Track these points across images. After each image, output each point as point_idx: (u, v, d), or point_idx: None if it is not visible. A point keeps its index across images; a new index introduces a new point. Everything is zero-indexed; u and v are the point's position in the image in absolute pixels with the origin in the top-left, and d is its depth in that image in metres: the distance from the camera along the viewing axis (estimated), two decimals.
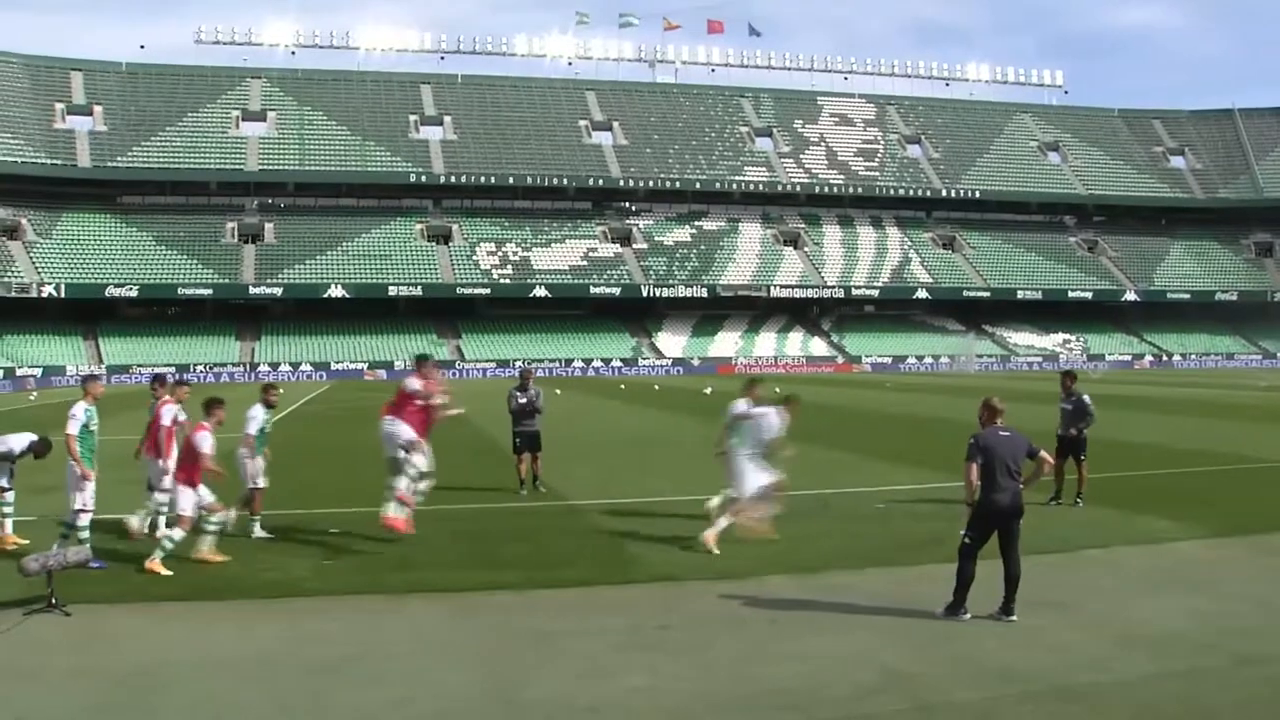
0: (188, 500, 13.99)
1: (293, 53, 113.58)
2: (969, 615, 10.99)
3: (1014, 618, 10.96)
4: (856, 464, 23.40)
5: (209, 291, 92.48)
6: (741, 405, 15.49)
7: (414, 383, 15.78)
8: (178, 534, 13.75)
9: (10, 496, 15.36)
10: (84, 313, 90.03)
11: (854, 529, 15.86)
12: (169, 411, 15.60)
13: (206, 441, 14.34)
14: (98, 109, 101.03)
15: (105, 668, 9.68)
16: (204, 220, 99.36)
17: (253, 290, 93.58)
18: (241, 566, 13.76)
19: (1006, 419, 11.64)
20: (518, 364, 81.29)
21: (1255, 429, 31.51)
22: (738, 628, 10.84)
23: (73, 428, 14.47)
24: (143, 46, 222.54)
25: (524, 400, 20.16)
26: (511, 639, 10.54)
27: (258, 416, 16.43)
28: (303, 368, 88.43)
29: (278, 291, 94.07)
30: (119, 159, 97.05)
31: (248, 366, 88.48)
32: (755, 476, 14.94)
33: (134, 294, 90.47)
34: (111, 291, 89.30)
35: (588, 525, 16.56)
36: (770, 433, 15.24)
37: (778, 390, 16.98)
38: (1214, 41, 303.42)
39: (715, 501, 15.31)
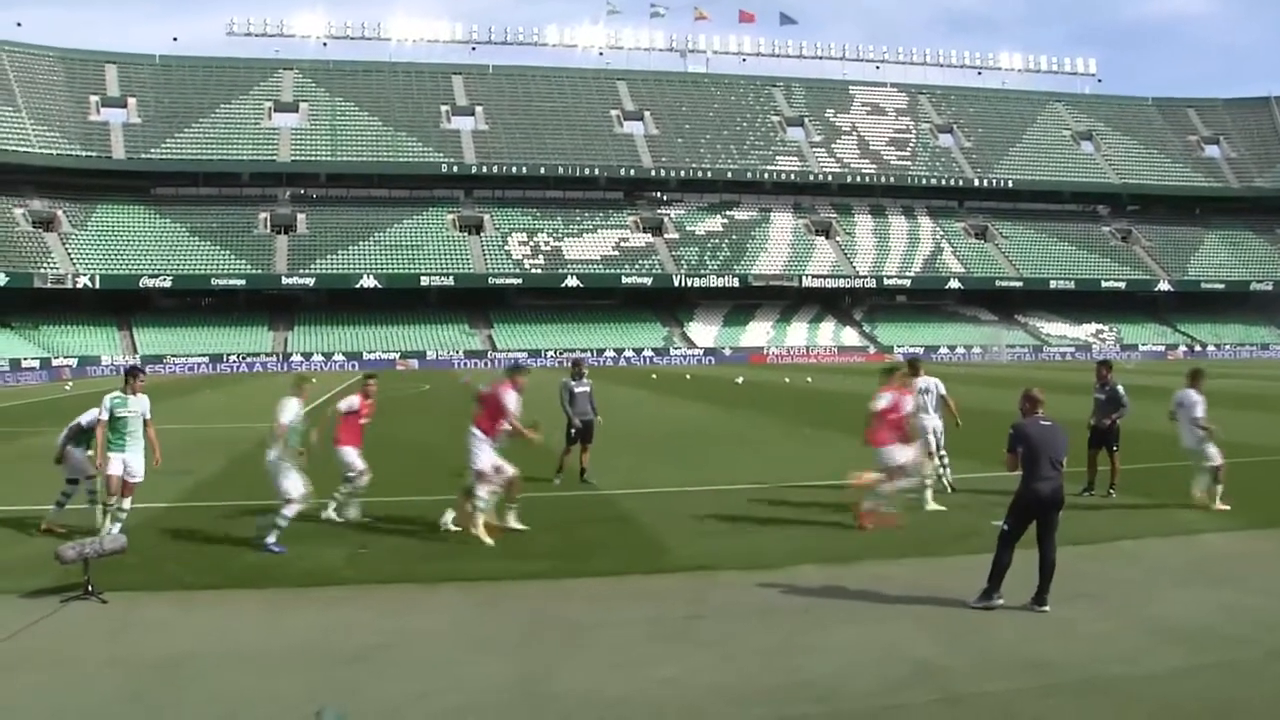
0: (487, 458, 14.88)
1: (324, 44, 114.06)
2: (1002, 600, 11.03)
3: (1046, 608, 10.97)
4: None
5: (242, 282, 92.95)
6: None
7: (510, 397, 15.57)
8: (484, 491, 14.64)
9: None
10: (118, 303, 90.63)
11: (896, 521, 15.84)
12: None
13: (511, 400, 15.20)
14: (132, 101, 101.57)
15: (139, 656, 9.76)
16: (237, 211, 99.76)
17: (285, 281, 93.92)
18: (274, 556, 13.82)
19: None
20: (549, 353, 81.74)
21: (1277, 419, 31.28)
22: (768, 618, 10.84)
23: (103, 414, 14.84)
24: (175, 39, 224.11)
25: (580, 390, 20.15)
26: (541, 629, 10.57)
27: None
28: (335, 358, 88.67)
29: (310, 282, 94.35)
30: (153, 151, 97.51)
31: (280, 356, 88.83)
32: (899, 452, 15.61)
33: (168, 284, 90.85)
34: (145, 282, 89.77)
35: (619, 515, 16.57)
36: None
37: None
38: (1249, 29, 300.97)
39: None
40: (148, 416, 15.55)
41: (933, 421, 18.12)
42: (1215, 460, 16.38)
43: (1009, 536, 11.20)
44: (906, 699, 8.55)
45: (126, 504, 14.87)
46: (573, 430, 20.18)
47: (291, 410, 15.18)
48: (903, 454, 15.41)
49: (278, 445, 14.94)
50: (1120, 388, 18.36)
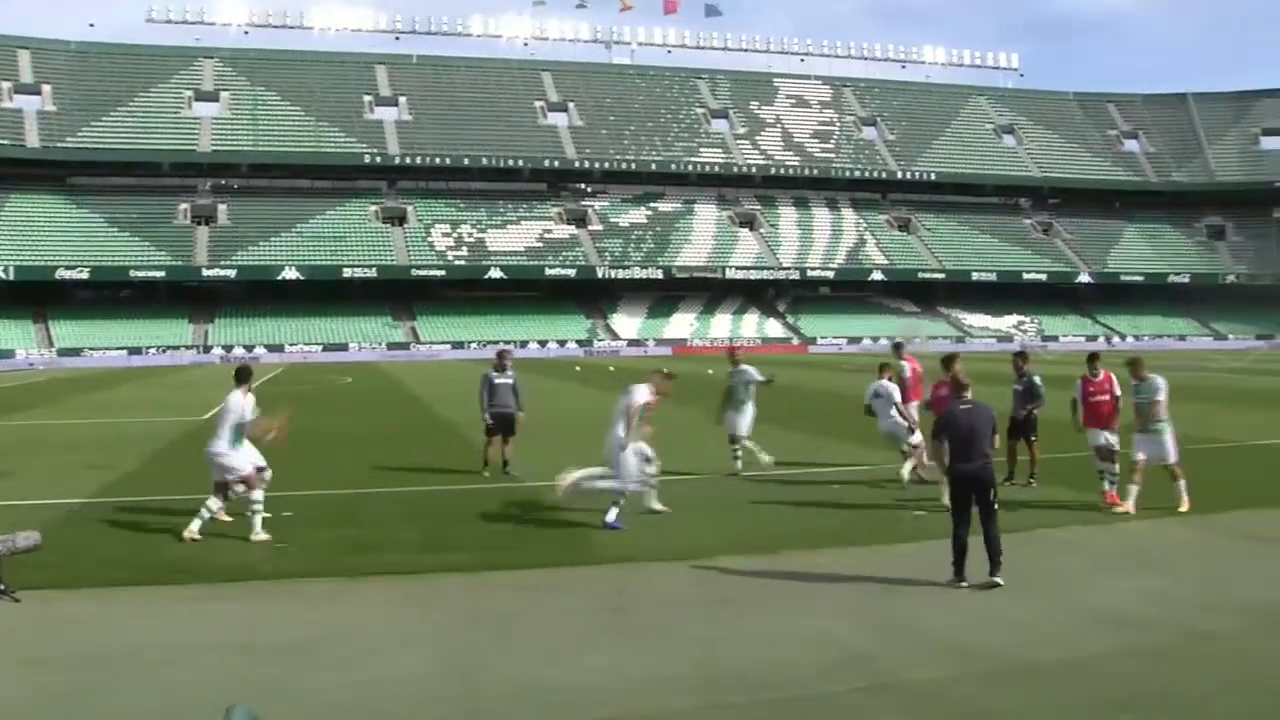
0: None
1: (245, 32, 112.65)
2: (966, 585, 11.30)
3: (999, 580, 11.31)
4: (813, 444, 23.37)
5: (161, 274, 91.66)
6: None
7: (641, 394, 15.59)
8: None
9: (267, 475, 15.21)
10: (34, 296, 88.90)
11: (811, 509, 15.82)
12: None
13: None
14: (46, 88, 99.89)
15: (55, 654, 9.53)
16: (156, 202, 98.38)
17: (206, 272, 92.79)
18: (196, 550, 13.57)
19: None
20: (472, 345, 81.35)
21: (1206, 410, 31.67)
22: (697, 608, 10.82)
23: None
24: (92, 25, 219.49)
25: (501, 382, 19.95)
26: (469, 621, 10.48)
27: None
28: (256, 350, 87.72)
29: (231, 273, 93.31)
30: (68, 139, 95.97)
31: (201, 349, 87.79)
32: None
33: (85, 276, 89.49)
34: (62, 274, 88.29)
35: (545, 507, 16.44)
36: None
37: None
38: (1168, 27, 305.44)
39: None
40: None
41: (888, 424, 18.68)
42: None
43: (955, 515, 11.54)
44: (835, 687, 8.55)
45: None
46: (487, 423, 19.96)
47: (642, 394, 15.50)
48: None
49: (623, 425, 15.24)
50: (1037, 379, 18.47)
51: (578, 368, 65.06)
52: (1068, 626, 10.07)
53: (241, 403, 14.79)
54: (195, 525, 14.24)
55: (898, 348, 19.42)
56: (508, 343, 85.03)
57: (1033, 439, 18.09)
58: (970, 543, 11.41)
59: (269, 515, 14.77)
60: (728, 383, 19.93)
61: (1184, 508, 15.37)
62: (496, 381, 19.94)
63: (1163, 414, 15.83)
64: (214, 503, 14.55)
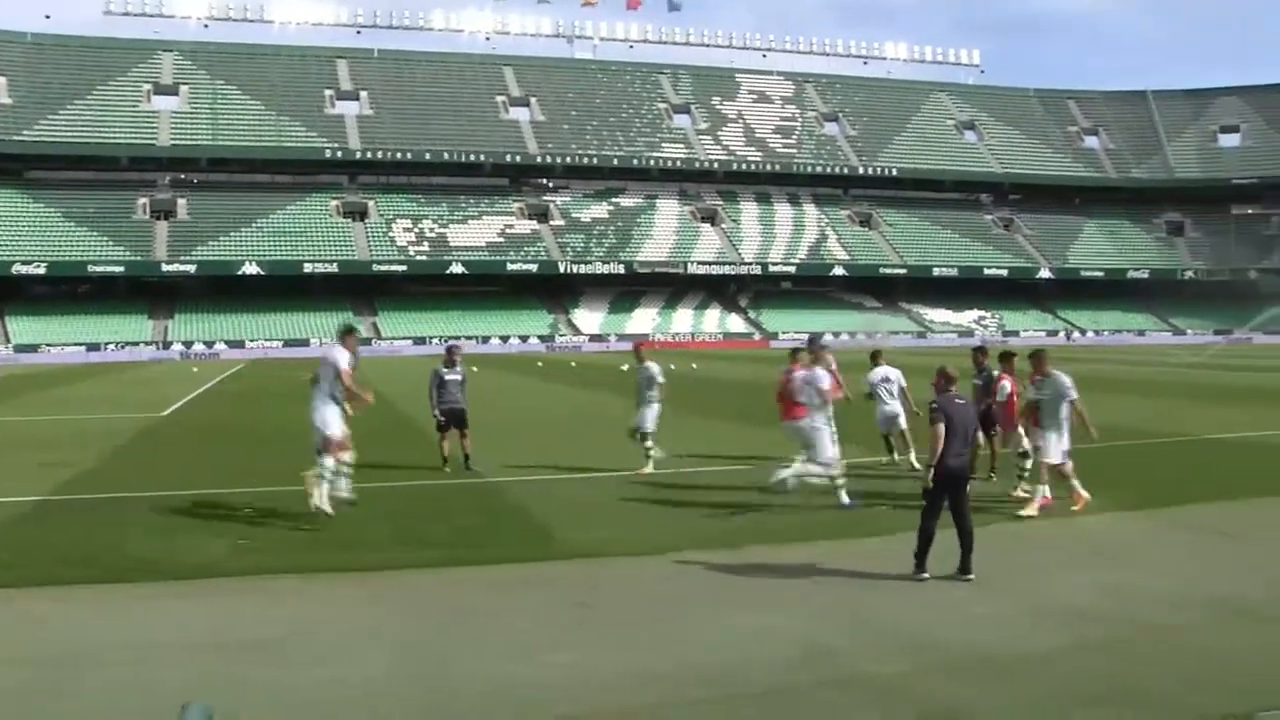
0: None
1: (205, 25, 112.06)
2: (928, 577, 11.30)
3: (971, 576, 11.36)
4: (776, 440, 23.38)
5: (120, 269, 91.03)
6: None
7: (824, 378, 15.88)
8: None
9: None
10: None
11: (777, 504, 15.82)
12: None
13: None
14: (2, 80, 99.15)
15: (19, 654, 9.41)
16: (115, 196, 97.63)
17: (165, 268, 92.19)
18: (158, 548, 13.45)
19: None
20: (434, 341, 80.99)
21: (1163, 403, 31.91)
22: (664, 604, 10.81)
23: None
24: (48, 17, 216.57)
25: (451, 378, 19.96)
26: (436, 618, 10.43)
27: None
28: (216, 346, 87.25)
29: (191, 269, 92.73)
30: (25, 133, 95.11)
31: (160, 345, 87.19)
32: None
33: (42, 271, 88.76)
34: (19, 269, 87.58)
35: (509, 503, 16.43)
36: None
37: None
38: (1128, 24, 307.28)
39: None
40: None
41: (893, 408, 19.03)
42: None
43: (928, 510, 11.48)
44: (798, 681, 8.55)
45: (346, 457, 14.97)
46: (438, 419, 19.98)
47: (824, 378, 15.97)
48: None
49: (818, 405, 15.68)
50: (996, 372, 18.25)
51: (540, 363, 64.98)
52: (1029, 620, 10.11)
53: (340, 354, 14.91)
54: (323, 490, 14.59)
55: (812, 342, 19.36)
56: (468, 338, 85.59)
57: (993, 434, 17.97)
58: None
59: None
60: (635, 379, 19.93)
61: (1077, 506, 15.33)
62: (446, 377, 19.98)
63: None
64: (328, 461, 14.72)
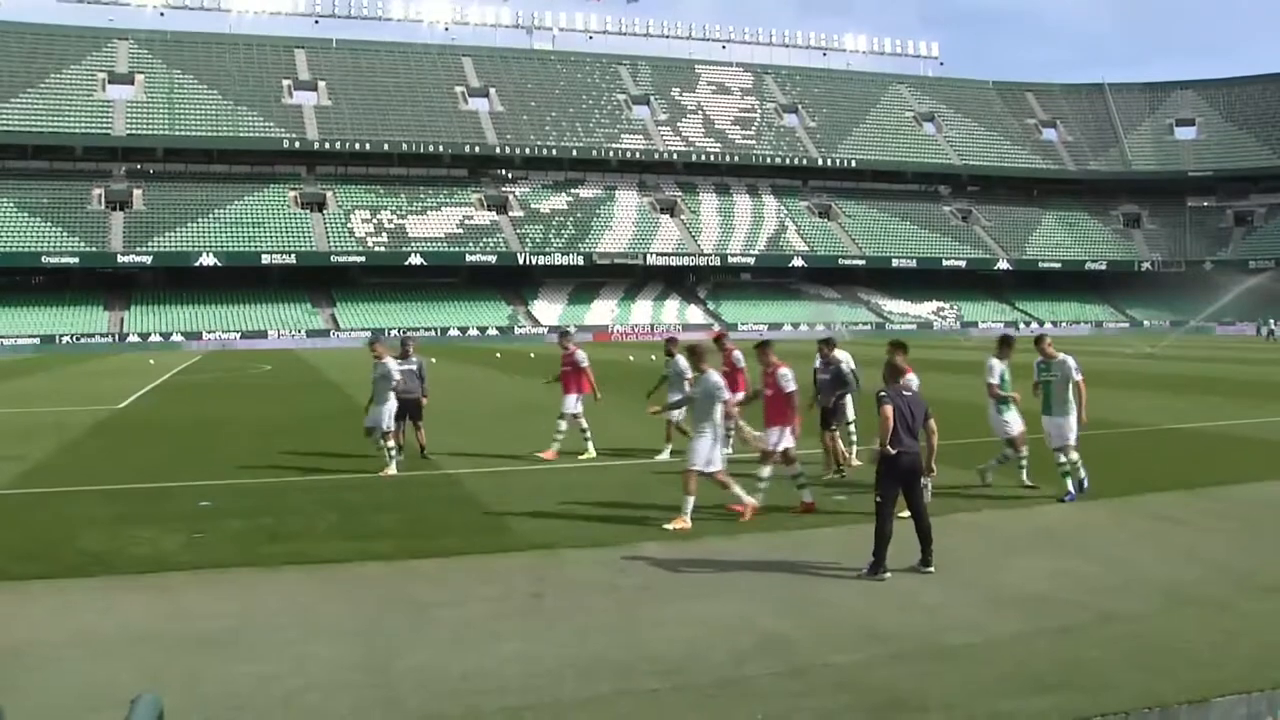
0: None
1: (161, 14, 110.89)
2: (889, 575, 11.22)
3: (931, 569, 11.42)
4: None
5: (75, 260, 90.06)
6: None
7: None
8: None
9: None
10: None
11: (727, 495, 15.85)
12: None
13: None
14: None
15: None
16: (69, 186, 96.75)
17: (121, 259, 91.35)
18: (110, 542, 13.37)
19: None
20: (393, 332, 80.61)
21: (1118, 394, 32.13)
22: (612, 595, 10.83)
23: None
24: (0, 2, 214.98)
25: (406, 368, 20.03)
26: (385, 609, 10.41)
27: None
28: (174, 338, 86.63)
29: (147, 260, 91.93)
30: None
31: (116, 337, 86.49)
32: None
33: None
34: None
35: (462, 494, 16.43)
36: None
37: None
38: (1086, 17, 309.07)
39: None
40: (394, 379, 18.82)
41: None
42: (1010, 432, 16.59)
43: (883, 507, 11.39)
44: (751, 671, 8.58)
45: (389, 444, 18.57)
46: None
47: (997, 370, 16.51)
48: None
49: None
50: (845, 365, 18.17)
51: (498, 354, 64.80)
52: (982, 608, 10.19)
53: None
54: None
55: (670, 342, 19.67)
56: (426, 329, 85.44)
57: (834, 428, 17.73)
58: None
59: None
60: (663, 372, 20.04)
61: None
62: (401, 369, 20.01)
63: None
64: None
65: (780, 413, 15.10)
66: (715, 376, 14.50)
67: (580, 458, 19.89)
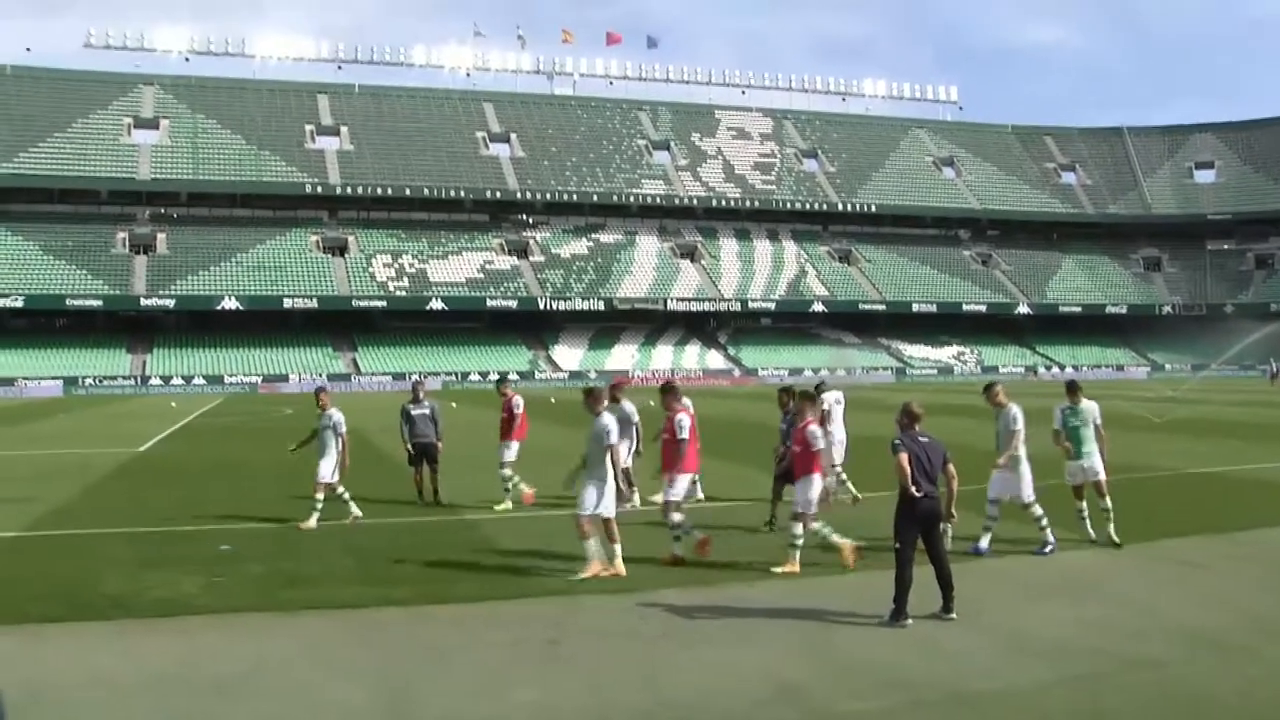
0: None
1: (186, 59, 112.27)
2: (910, 622, 11.11)
3: (953, 615, 11.31)
4: (752, 477, 23.34)
5: (99, 303, 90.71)
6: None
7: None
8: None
9: None
10: None
11: (749, 542, 15.80)
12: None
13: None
14: None
15: None
16: (94, 230, 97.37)
17: (144, 302, 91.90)
18: (129, 585, 13.38)
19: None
20: (413, 377, 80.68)
21: (1141, 439, 31.99)
22: (631, 641, 10.78)
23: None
24: (29, 49, 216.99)
25: (418, 413, 20.12)
26: (404, 655, 10.38)
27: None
28: (195, 381, 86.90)
29: (170, 303, 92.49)
30: (4, 165, 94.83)
31: (139, 380, 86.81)
32: None
33: (19, 304, 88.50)
34: None
35: (481, 539, 16.38)
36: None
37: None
38: (1105, 61, 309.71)
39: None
40: (340, 430, 17.80)
41: (840, 434, 19.53)
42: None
43: (902, 554, 11.29)
44: (772, 717, 8.54)
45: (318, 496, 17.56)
46: (410, 453, 20.40)
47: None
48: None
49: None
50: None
51: (553, 399, 64.56)
52: (1004, 656, 10.11)
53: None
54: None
55: (615, 388, 19.52)
56: (447, 374, 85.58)
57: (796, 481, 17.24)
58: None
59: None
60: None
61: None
62: (414, 412, 20.31)
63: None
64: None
65: (675, 459, 14.96)
66: (606, 419, 14.21)
67: (495, 508, 19.45)
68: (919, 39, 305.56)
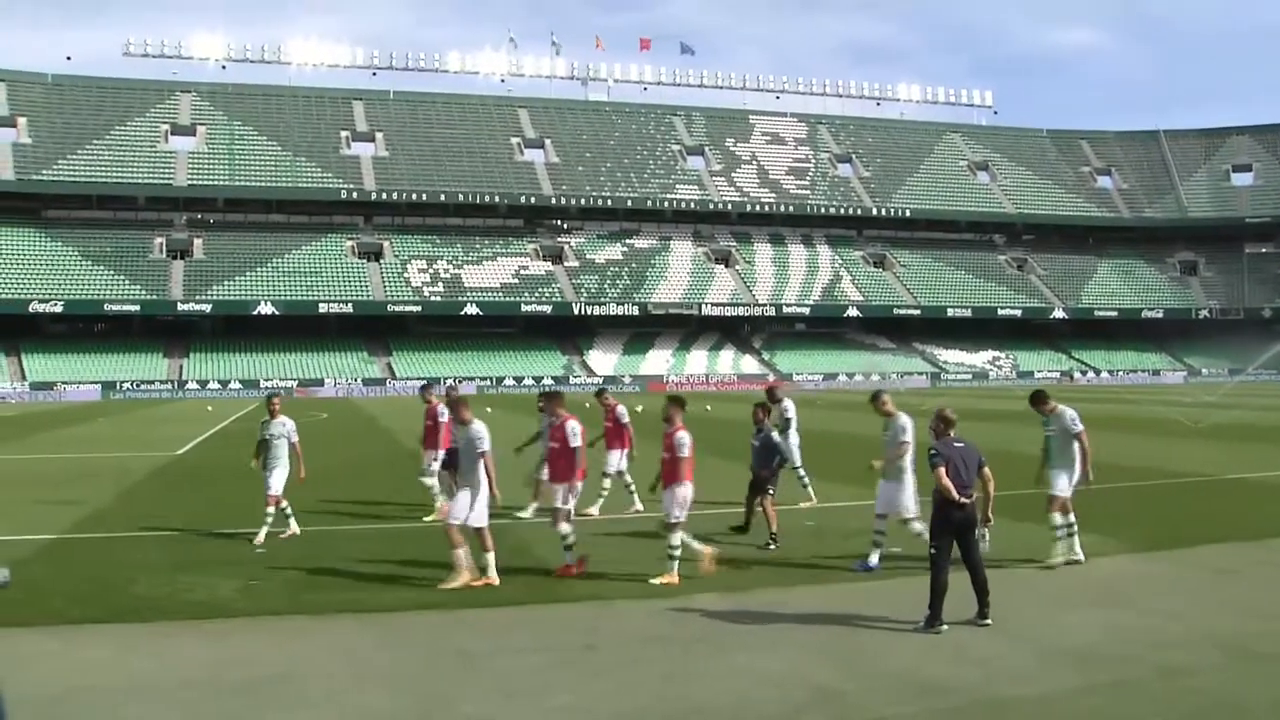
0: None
1: (223, 66, 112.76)
2: (946, 628, 11.12)
3: (989, 622, 11.31)
4: (786, 481, 23.36)
5: (136, 308, 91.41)
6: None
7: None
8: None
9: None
10: (6, 329, 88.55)
11: (785, 547, 15.80)
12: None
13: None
14: (22, 120, 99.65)
15: (20, 691, 9.39)
16: (131, 235, 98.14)
17: (181, 307, 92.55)
18: (165, 588, 13.50)
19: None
20: (447, 382, 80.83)
21: (1178, 444, 31.85)
22: (665, 646, 10.80)
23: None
24: (69, 58, 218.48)
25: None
26: (437, 659, 10.45)
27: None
28: (231, 386, 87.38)
29: (206, 308, 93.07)
30: (44, 172, 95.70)
31: (176, 384, 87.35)
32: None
33: (58, 310, 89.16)
34: (35, 307, 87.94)
35: (516, 543, 16.35)
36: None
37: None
38: (1140, 64, 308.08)
39: None
40: (293, 439, 17.32)
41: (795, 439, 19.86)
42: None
43: (938, 559, 11.29)
44: None
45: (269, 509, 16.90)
46: (447, 455, 20.08)
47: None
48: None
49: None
50: (775, 435, 17.56)
51: (639, 408, 64.66)
52: (1036, 662, 10.10)
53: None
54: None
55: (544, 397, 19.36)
56: (482, 379, 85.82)
57: (771, 492, 16.95)
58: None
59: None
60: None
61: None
62: (447, 418, 20.12)
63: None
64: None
65: (564, 468, 14.66)
66: (477, 428, 14.08)
67: (426, 519, 18.94)
68: (952, 44, 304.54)
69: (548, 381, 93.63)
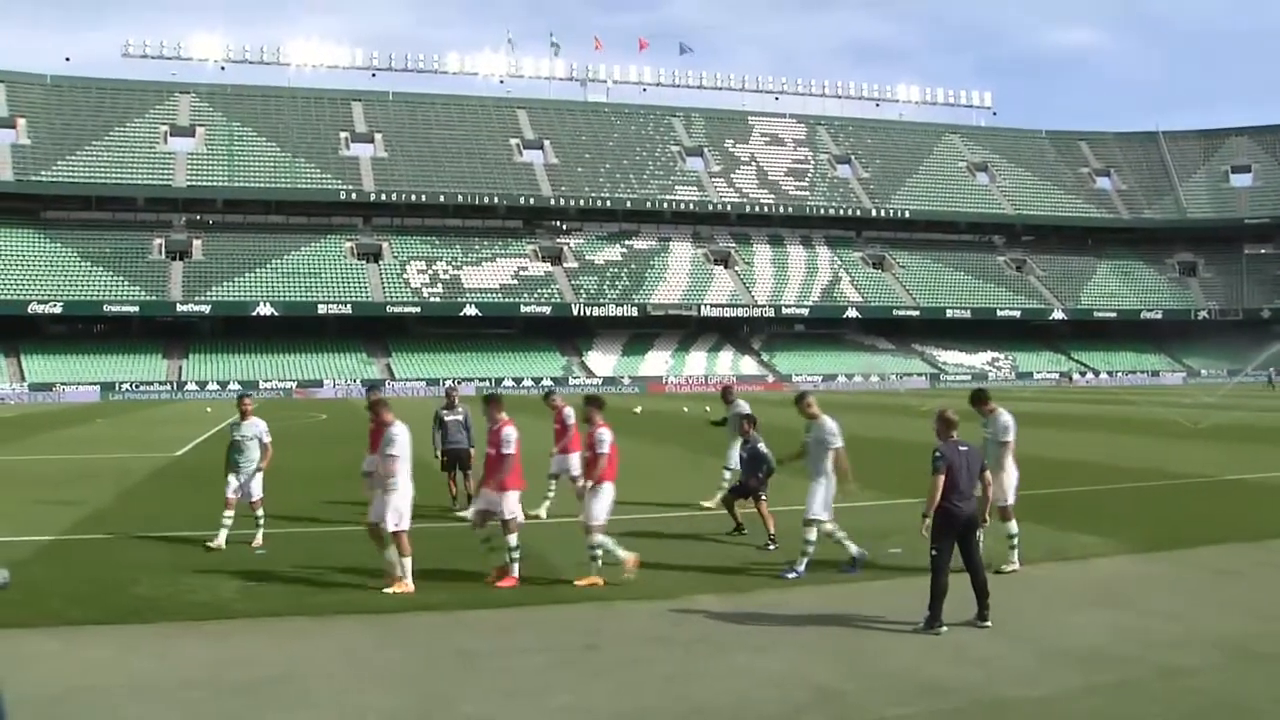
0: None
1: (222, 68, 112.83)
2: (945, 629, 11.10)
3: (988, 624, 11.28)
4: (786, 483, 23.35)
5: (135, 309, 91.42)
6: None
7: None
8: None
9: None
10: (5, 330, 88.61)
11: (784, 548, 15.79)
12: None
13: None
14: (21, 121, 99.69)
15: (20, 692, 9.38)
16: (130, 236, 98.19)
17: (180, 308, 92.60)
18: (165, 589, 13.49)
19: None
20: (446, 383, 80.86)
21: (1176, 445, 31.85)
22: (666, 647, 10.78)
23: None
24: (68, 59, 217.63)
25: (451, 419, 20.16)
26: (438, 660, 10.44)
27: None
28: (230, 387, 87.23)
29: (205, 309, 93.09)
30: (43, 173, 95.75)
31: (175, 385, 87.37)
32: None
33: (58, 311, 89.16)
34: (34, 308, 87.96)
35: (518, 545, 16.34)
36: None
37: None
38: (1139, 64, 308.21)
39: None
40: (265, 440, 17.13)
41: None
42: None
43: (939, 560, 11.26)
44: None
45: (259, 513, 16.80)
46: (440, 460, 20.37)
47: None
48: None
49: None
50: (762, 446, 17.36)
51: (637, 409, 64.70)
52: (1036, 663, 10.10)
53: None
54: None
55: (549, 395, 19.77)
56: (481, 380, 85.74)
57: (764, 496, 16.93)
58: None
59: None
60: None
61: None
62: (447, 419, 20.29)
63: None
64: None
65: (498, 475, 14.26)
66: (396, 429, 13.93)
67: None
68: (952, 44, 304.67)
69: (547, 382, 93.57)
